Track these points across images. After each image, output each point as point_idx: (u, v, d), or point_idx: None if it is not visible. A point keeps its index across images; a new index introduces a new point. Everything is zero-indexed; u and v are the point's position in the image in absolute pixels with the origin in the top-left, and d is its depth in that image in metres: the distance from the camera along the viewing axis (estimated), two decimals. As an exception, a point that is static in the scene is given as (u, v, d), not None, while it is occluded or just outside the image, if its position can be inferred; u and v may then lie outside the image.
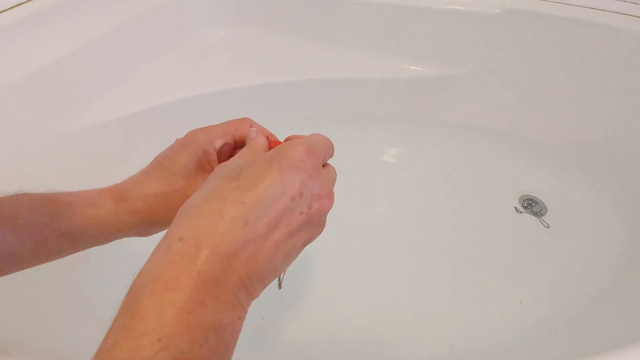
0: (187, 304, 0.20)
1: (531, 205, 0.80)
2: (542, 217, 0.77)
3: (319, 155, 0.26)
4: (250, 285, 0.23)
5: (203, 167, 0.33)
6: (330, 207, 0.25)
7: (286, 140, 0.31)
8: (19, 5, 0.66)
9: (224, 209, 0.22)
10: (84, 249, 0.34)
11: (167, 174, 0.32)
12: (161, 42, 0.86)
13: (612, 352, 0.35)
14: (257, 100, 0.87)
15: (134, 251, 0.68)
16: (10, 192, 0.32)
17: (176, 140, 0.34)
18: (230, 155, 0.35)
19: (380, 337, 0.62)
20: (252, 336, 0.61)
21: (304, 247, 0.26)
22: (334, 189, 0.27)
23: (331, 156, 0.29)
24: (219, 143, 0.33)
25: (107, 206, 0.32)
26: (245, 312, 0.23)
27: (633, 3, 0.77)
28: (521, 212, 0.79)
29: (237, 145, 0.35)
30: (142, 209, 0.33)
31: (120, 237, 0.34)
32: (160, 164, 0.33)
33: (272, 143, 0.32)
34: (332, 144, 0.29)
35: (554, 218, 0.77)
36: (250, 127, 0.35)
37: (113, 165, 0.70)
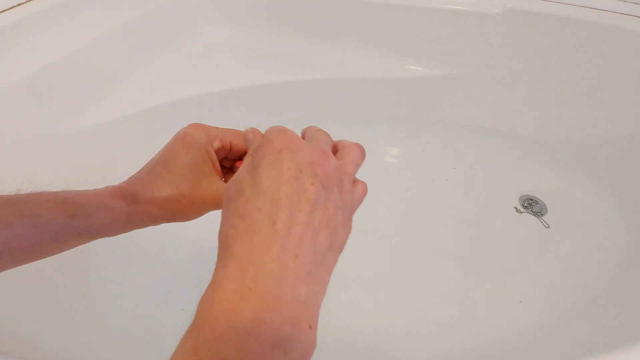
0: (245, 325, 0.20)
1: (531, 205, 0.80)
2: (542, 217, 0.77)
3: (286, 131, 0.26)
4: (309, 277, 0.22)
5: (207, 166, 0.34)
6: (330, 161, 0.25)
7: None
8: (19, 5, 0.66)
9: (248, 224, 0.22)
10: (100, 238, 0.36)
11: (173, 177, 0.33)
12: (161, 42, 0.86)
13: (612, 352, 0.35)
14: (257, 100, 0.87)
15: (135, 247, 0.68)
16: (26, 191, 0.33)
17: (177, 136, 0.34)
18: (221, 160, 0.37)
19: (379, 336, 0.62)
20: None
21: (344, 211, 0.25)
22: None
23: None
24: (216, 144, 0.35)
25: (121, 209, 0.33)
26: (315, 318, 0.22)
27: (633, 3, 0.77)
28: (521, 212, 0.79)
29: (231, 153, 0.36)
30: (153, 211, 0.34)
31: (137, 229, 0.36)
32: (165, 165, 0.34)
33: None
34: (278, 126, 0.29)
35: (554, 218, 0.77)
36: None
37: (114, 165, 0.70)
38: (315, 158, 0.24)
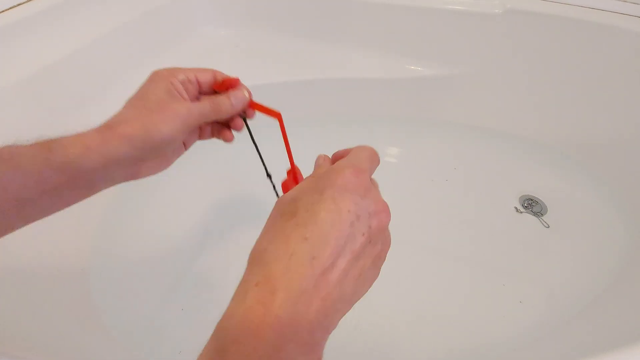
0: (268, 351, 0.20)
1: (531, 205, 0.80)
2: (542, 217, 0.77)
3: (366, 172, 0.26)
4: (325, 320, 0.23)
5: (172, 95, 0.37)
6: (389, 219, 0.25)
7: (333, 157, 0.33)
8: (19, 5, 0.66)
9: (290, 249, 0.23)
10: (85, 191, 0.35)
11: (145, 103, 0.36)
12: (161, 42, 0.86)
13: (612, 352, 0.35)
14: (256, 100, 0.87)
15: (135, 247, 0.68)
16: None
17: (144, 82, 0.38)
18: (196, 96, 0.39)
19: (378, 336, 0.62)
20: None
21: (375, 268, 0.26)
22: None
23: (378, 164, 0.29)
24: (181, 77, 0.37)
25: (95, 137, 0.34)
26: (321, 352, 0.23)
27: (633, 3, 0.77)
28: (521, 212, 0.79)
29: (200, 89, 0.39)
30: (128, 132, 0.34)
31: (116, 173, 0.36)
32: (137, 99, 0.37)
33: (332, 158, 0.33)
34: (376, 154, 0.30)
35: (554, 218, 0.77)
36: (215, 77, 0.39)
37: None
38: (378, 210, 0.25)
